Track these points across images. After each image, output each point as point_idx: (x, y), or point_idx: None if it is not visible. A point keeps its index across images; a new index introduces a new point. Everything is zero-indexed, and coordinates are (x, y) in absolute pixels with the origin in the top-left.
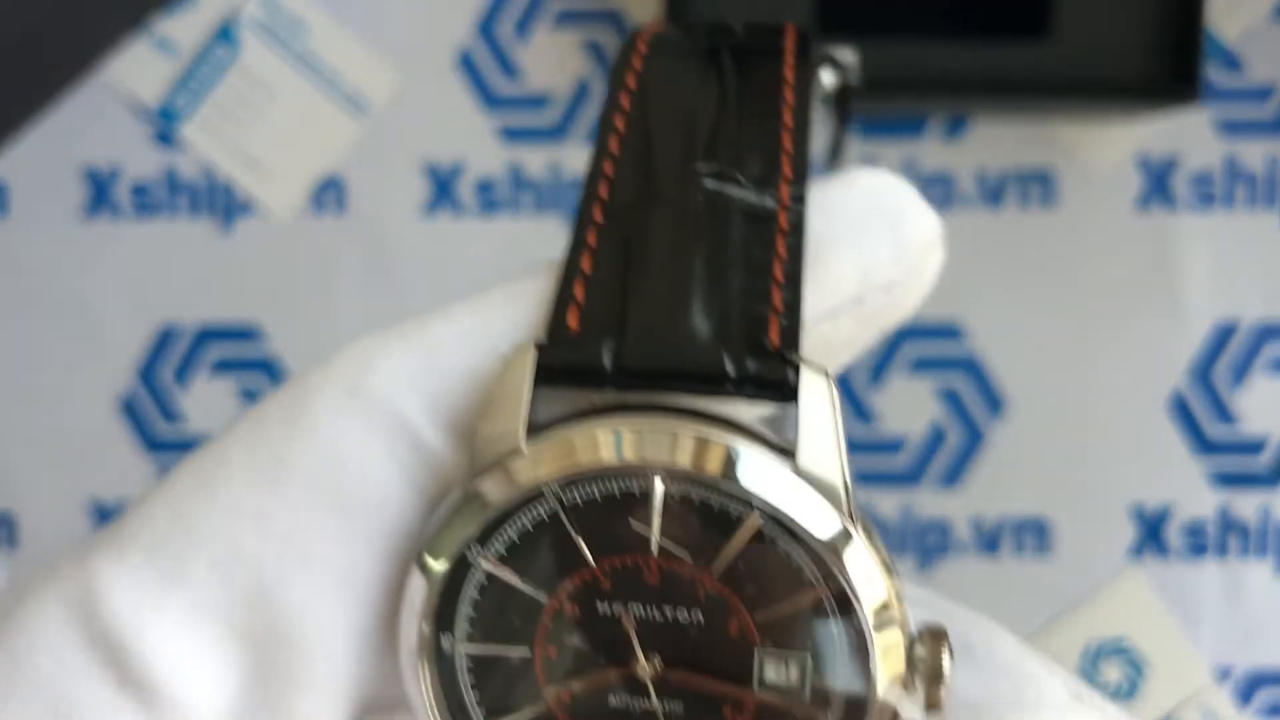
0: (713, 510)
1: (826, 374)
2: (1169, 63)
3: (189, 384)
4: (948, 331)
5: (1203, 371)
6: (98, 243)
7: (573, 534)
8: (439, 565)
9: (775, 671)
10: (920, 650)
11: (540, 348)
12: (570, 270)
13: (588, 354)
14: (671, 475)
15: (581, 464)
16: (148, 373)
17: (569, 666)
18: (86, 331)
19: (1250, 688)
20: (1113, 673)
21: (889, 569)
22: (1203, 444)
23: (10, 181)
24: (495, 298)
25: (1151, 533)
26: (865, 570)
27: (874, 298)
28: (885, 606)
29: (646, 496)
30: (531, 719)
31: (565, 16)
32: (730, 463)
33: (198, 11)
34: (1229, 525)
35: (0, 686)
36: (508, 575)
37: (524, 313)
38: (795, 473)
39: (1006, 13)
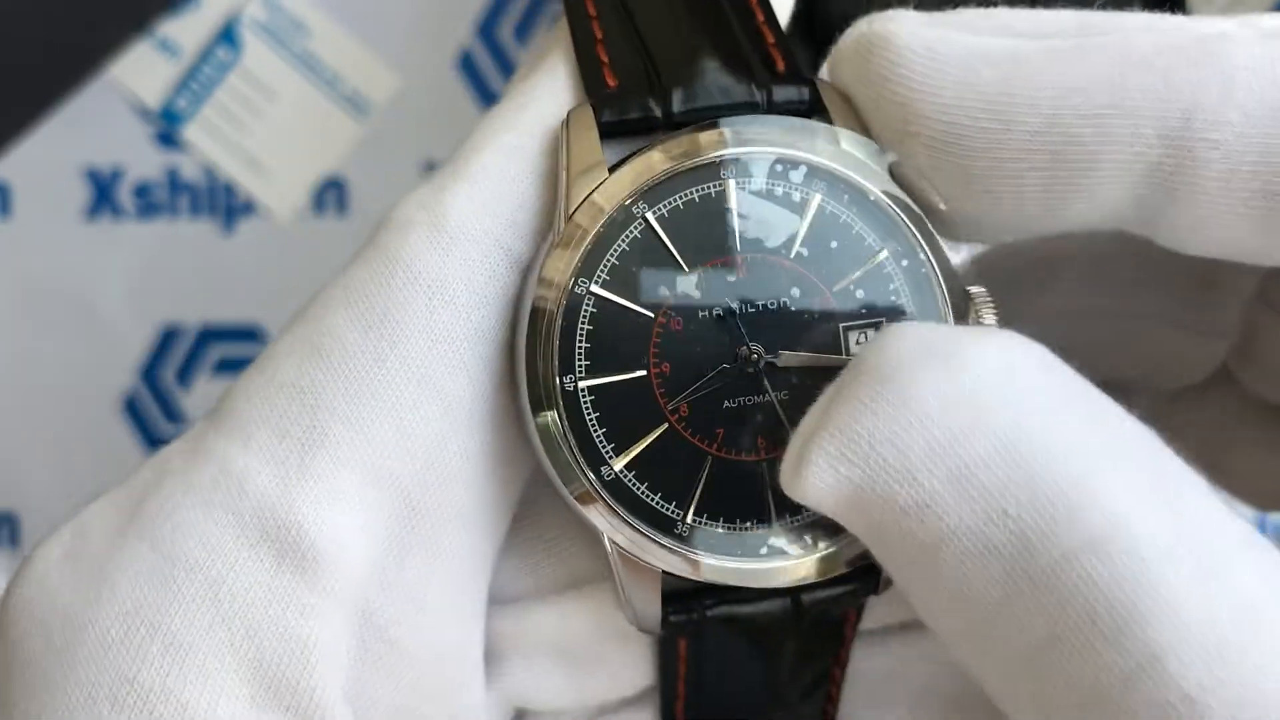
0: (779, 196)
1: (836, 90)
2: None
3: (191, 384)
4: None
5: None
6: (100, 243)
7: (665, 243)
8: (551, 301)
9: (858, 340)
10: (979, 301)
11: (594, 105)
12: (586, 39)
13: (638, 104)
14: (737, 166)
15: (659, 169)
16: (150, 373)
17: (682, 378)
18: (88, 332)
19: None
20: None
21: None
22: None
23: (13, 182)
24: (517, 106)
25: None
26: (917, 219)
27: None
28: (935, 247)
29: (723, 194)
30: (656, 440)
31: None
32: (804, 137)
33: (199, 13)
34: None
35: (158, 581)
36: (615, 299)
37: (554, 104)
38: (840, 148)
39: None
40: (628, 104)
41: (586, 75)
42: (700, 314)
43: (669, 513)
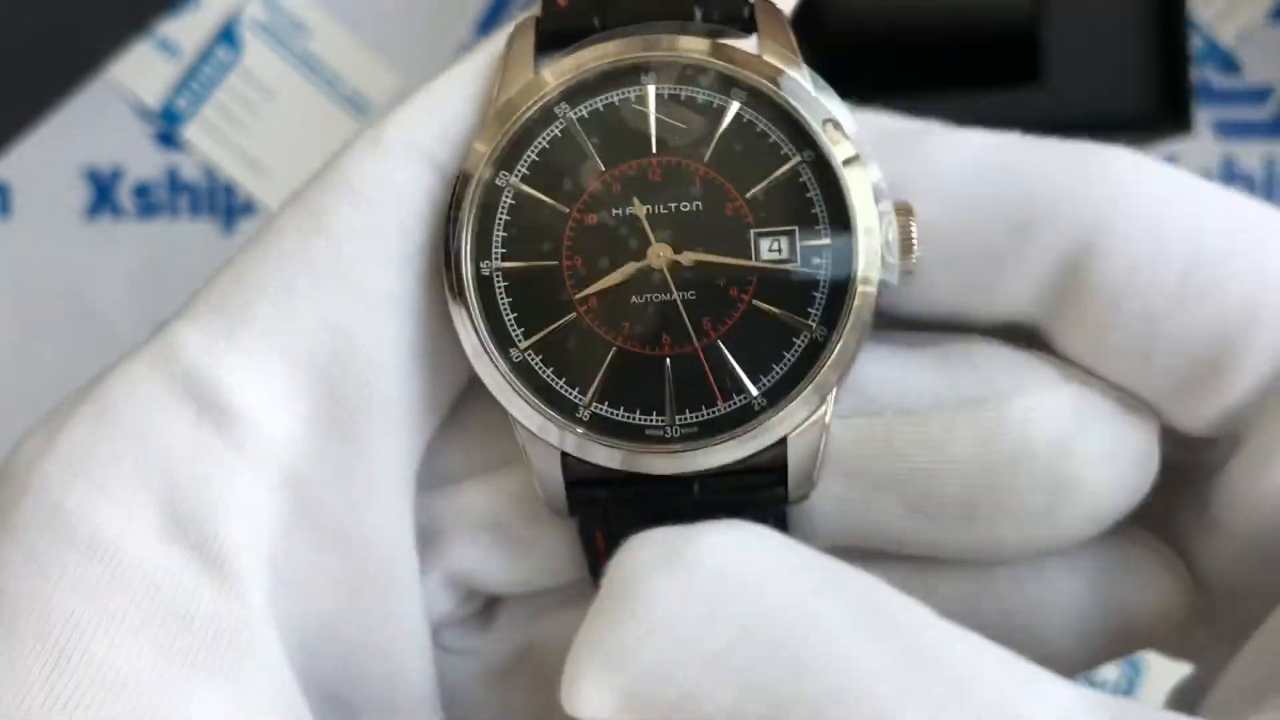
0: (698, 103)
1: (774, 7)
2: (1160, 98)
3: None
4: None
5: None
6: (100, 243)
7: (584, 142)
8: (471, 190)
9: (769, 247)
10: (891, 219)
11: (538, 19)
12: None
13: (581, 18)
14: (659, 72)
15: (580, 70)
16: None
17: (593, 271)
18: (89, 332)
19: None
20: (1111, 670)
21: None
22: None
23: (13, 182)
24: (474, 56)
25: None
26: (833, 126)
27: None
28: (854, 159)
29: (643, 99)
30: (562, 327)
31: None
32: (721, 53)
33: (199, 13)
34: None
35: (92, 429)
36: (533, 192)
37: (503, 39)
38: (763, 60)
39: (999, 62)
40: (569, 17)
41: None
42: (614, 211)
43: (572, 397)
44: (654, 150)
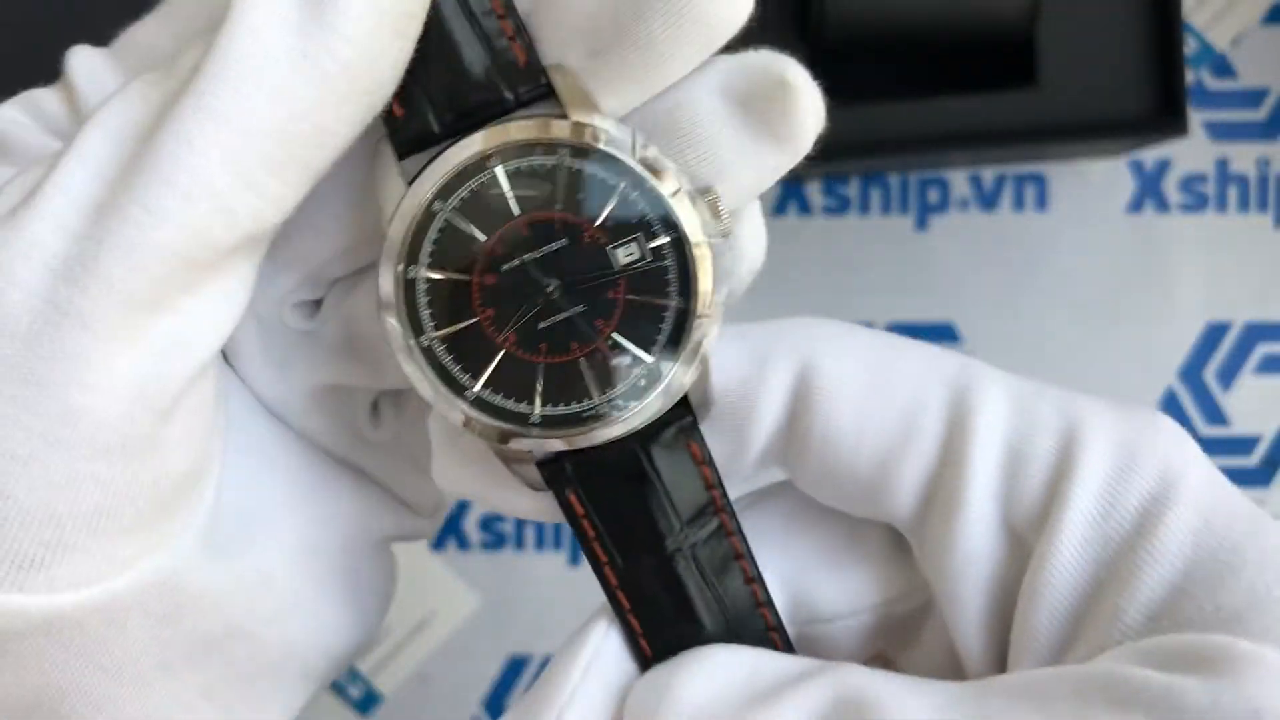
0: (537, 169)
1: (561, 69)
2: (1155, 99)
3: None
4: (942, 331)
5: (1194, 372)
6: None
7: (463, 224)
8: (393, 290)
9: (625, 254)
10: (700, 199)
11: (390, 136)
12: None
13: (423, 125)
14: (501, 155)
15: (444, 172)
16: None
17: (504, 315)
18: None
19: None
20: None
21: (641, 137)
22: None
23: None
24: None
25: None
26: (624, 143)
27: None
28: (654, 166)
29: (494, 179)
30: (498, 364)
31: None
32: (535, 127)
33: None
34: None
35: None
36: (437, 275)
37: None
38: (569, 122)
39: (994, 65)
40: (413, 127)
41: (385, 108)
42: (504, 266)
43: (522, 410)
44: (516, 212)
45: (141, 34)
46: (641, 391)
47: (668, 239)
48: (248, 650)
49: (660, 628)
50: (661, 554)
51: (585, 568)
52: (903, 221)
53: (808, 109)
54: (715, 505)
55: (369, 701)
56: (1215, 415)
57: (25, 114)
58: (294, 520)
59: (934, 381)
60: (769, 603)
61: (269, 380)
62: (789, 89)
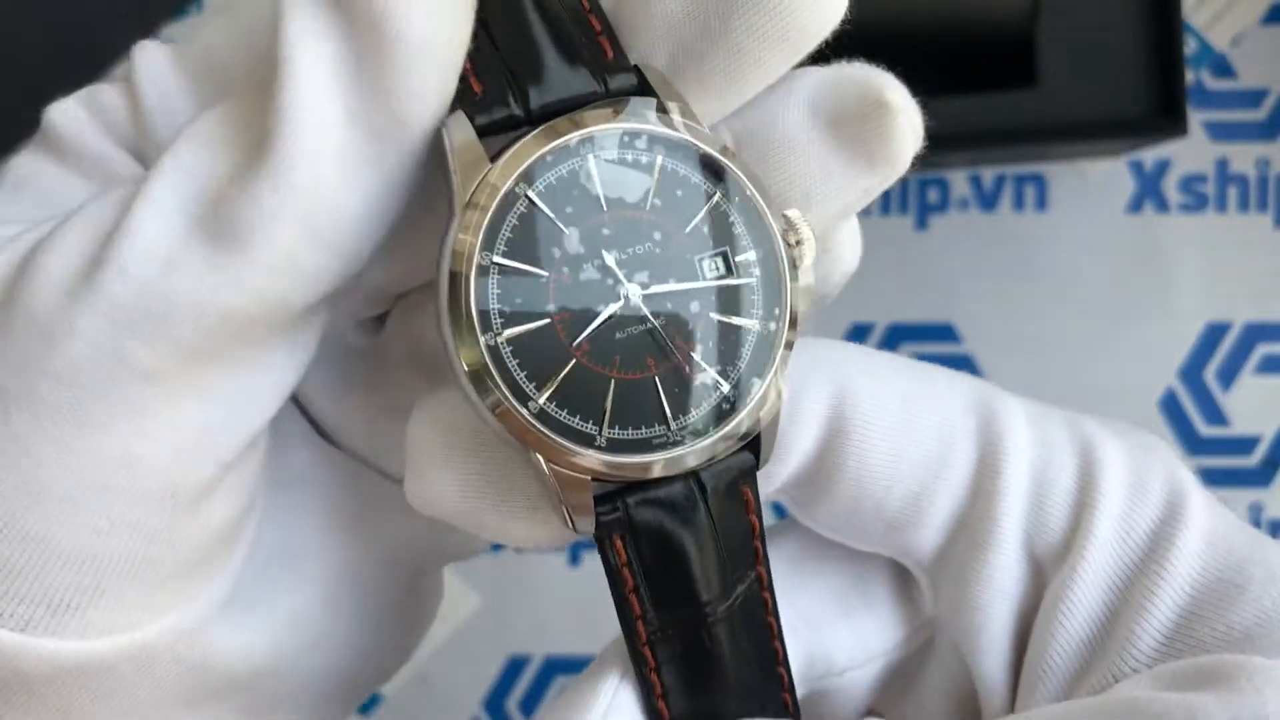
0: (629, 162)
1: (657, 71)
2: (1154, 100)
3: None
4: (942, 332)
5: (1194, 372)
6: None
7: (546, 212)
8: (464, 272)
9: (711, 268)
10: (794, 222)
11: (468, 112)
12: None
13: (504, 107)
14: (595, 142)
15: (532, 155)
16: None
17: (580, 320)
18: None
19: None
20: None
21: (731, 147)
22: (1195, 443)
23: None
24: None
25: None
26: (721, 153)
27: None
28: (758, 185)
29: (585, 167)
30: (566, 373)
31: None
32: (627, 115)
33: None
34: None
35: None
36: (513, 264)
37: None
38: (668, 117)
39: (995, 65)
40: (494, 107)
41: (459, 85)
42: (584, 265)
43: (588, 430)
44: (605, 207)
45: (206, 34)
46: (717, 421)
47: (758, 255)
48: (272, 686)
49: (684, 690)
50: (699, 611)
51: (585, 568)
52: (903, 221)
53: (906, 131)
54: (757, 557)
55: (369, 702)
56: (1215, 415)
57: (87, 111)
58: (332, 553)
59: (960, 410)
60: (786, 661)
61: (331, 400)
62: (887, 111)
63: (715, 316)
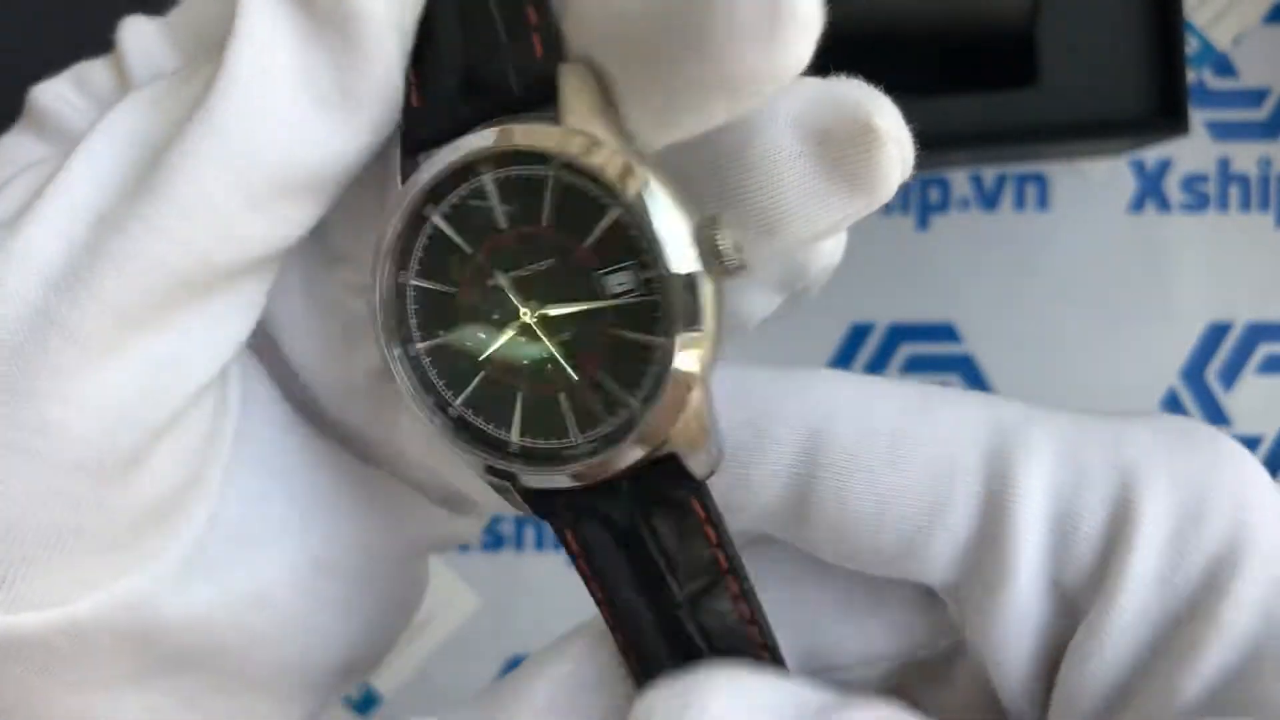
0: (526, 180)
1: (583, 66)
2: (1156, 99)
3: None
4: (943, 331)
5: (1196, 372)
6: None
7: (451, 234)
8: (379, 292)
9: (615, 281)
10: (709, 230)
11: (404, 128)
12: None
13: (435, 117)
14: (495, 162)
15: (434, 175)
16: None
17: (487, 337)
18: None
19: None
20: None
21: (641, 158)
22: None
23: None
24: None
25: None
26: (622, 167)
27: None
28: (656, 189)
29: (481, 188)
30: (478, 382)
31: None
32: (524, 134)
33: None
34: None
35: None
36: (424, 284)
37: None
38: (564, 128)
39: (995, 64)
40: (426, 120)
41: (402, 98)
42: (486, 282)
43: (501, 436)
44: (504, 226)
45: (195, 6)
46: (624, 434)
47: (665, 270)
48: (236, 665)
49: (656, 658)
50: (661, 612)
51: None
52: (903, 221)
53: (894, 160)
54: (720, 567)
55: (368, 702)
56: (1217, 416)
57: (74, 89)
58: (306, 536)
59: (966, 445)
60: (783, 664)
61: (331, 363)
62: (876, 137)
63: (618, 332)
